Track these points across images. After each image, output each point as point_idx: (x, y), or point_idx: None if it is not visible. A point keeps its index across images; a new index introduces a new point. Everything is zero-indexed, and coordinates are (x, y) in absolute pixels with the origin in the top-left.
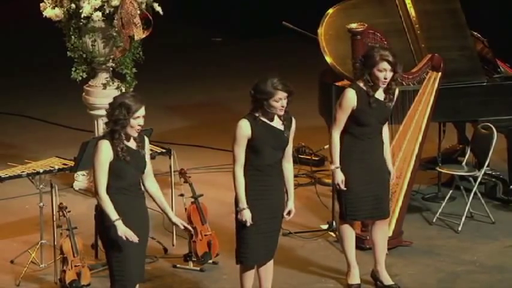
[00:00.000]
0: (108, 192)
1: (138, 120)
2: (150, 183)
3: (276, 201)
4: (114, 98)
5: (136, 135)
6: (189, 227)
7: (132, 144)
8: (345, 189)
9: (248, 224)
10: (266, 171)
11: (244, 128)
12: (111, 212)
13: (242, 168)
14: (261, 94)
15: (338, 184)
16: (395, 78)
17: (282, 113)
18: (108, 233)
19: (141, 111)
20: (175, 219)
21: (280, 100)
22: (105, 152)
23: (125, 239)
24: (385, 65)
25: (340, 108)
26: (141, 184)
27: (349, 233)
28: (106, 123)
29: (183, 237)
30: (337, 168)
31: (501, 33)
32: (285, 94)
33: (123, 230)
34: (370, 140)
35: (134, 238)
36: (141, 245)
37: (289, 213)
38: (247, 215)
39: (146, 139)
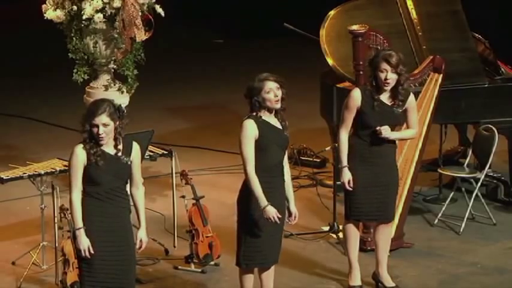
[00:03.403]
0: (84, 199)
1: (95, 128)
2: (133, 190)
3: (278, 202)
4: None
5: (102, 143)
6: (139, 251)
7: (110, 150)
8: (350, 188)
9: (275, 220)
10: (271, 172)
11: (251, 128)
12: (76, 219)
13: (254, 168)
14: (252, 92)
15: (345, 183)
16: (402, 82)
17: (278, 105)
18: (74, 240)
19: (98, 120)
20: (140, 233)
21: (271, 90)
22: (78, 156)
23: (82, 250)
24: (384, 65)
25: (345, 107)
26: (125, 191)
27: (353, 233)
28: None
29: (184, 239)
30: (344, 167)
31: (502, 34)
32: (275, 84)
33: (80, 240)
34: (377, 143)
35: (87, 251)
36: (120, 251)
37: (294, 217)
38: (272, 211)
39: (135, 146)
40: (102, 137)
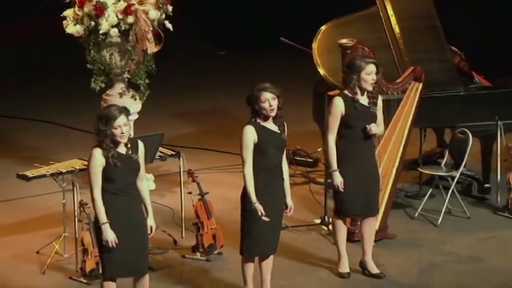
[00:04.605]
0: (102, 195)
1: (118, 129)
2: (139, 183)
3: (278, 198)
4: (99, 111)
5: (123, 141)
6: (150, 235)
7: (122, 149)
8: (342, 190)
9: (261, 216)
10: (271, 172)
11: (250, 133)
12: (100, 215)
13: (251, 169)
14: (251, 99)
15: (337, 185)
16: (376, 81)
17: (272, 114)
18: (99, 232)
19: (120, 121)
20: (149, 221)
21: (266, 101)
22: (98, 159)
23: (106, 242)
24: (372, 67)
25: (330, 115)
26: (136, 186)
27: (342, 228)
28: (96, 135)
29: (191, 231)
30: (335, 171)
31: (475, 46)
32: (270, 95)
33: (106, 233)
34: (361, 143)
35: (114, 243)
36: (135, 239)
37: (289, 209)
38: (259, 208)
39: (141, 144)
40: (124, 136)
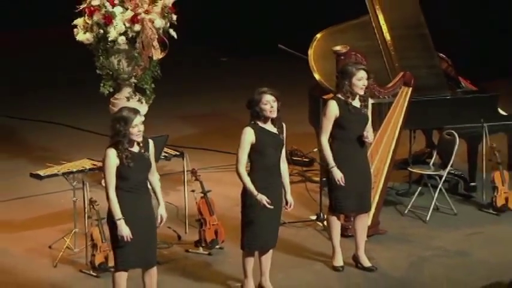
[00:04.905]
0: (116, 192)
1: (136, 128)
2: (151, 177)
3: (277, 196)
4: (114, 114)
5: (139, 139)
6: (161, 224)
7: (135, 148)
8: (343, 184)
9: (267, 205)
10: (270, 170)
11: (249, 134)
12: (115, 211)
13: (244, 168)
14: (252, 102)
15: (338, 180)
16: (367, 86)
17: (273, 115)
18: (113, 227)
19: (137, 120)
20: (160, 210)
21: (268, 103)
22: (112, 159)
23: (121, 236)
24: (362, 73)
25: (325, 117)
26: (147, 183)
27: (336, 224)
28: (111, 136)
29: (194, 227)
30: (333, 167)
31: (463, 53)
32: (271, 97)
33: (121, 229)
34: (354, 144)
35: (129, 237)
36: (147, 233)
37: (290, 205)
38: (263, 197)
39: (151, 142)
40: (140, 134)
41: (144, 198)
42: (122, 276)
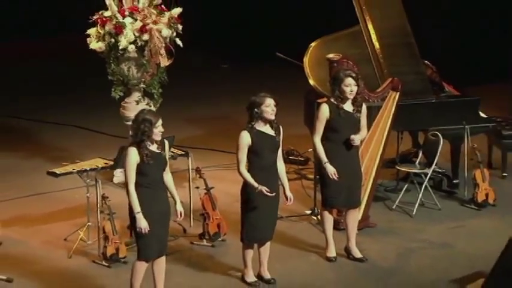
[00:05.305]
0: (136, 188)
1: (158, 128)
2: (166, 176)
3: (273, 192)
4: (137, 116)
5: (159, 139)
6: (180, 219)
7: (154, 148)
8: (337, 178)
9: (267, 194)
10: (266, 170)
11: (245, 138)
12: (135, 205)
13: (244, 166)
14: (254, 105)
15: (332, 174)
16: (359, 92)
17: (273, 117)
18: (134, 221)
19: (160, 121)
20: (178, 207)
21: (269, 105)
22: (133, 157)
23: (140, 229)
24: (350, 80)
25: (317, 119)
26: (163, 179)
27: (329, 217)
28: (133, 136)
29: (198, 220)
30: (326, 163)
31: (446, 59)
32: (272, 101)
33: (140, 222)
34: (345, 144)
35: (146, 229)
36: (163, 226)
37: (289, 200)
38: (263, 188)
39: (166, 143)
40: (161, 134)
41: (160, 194)
42: (143, 266)
